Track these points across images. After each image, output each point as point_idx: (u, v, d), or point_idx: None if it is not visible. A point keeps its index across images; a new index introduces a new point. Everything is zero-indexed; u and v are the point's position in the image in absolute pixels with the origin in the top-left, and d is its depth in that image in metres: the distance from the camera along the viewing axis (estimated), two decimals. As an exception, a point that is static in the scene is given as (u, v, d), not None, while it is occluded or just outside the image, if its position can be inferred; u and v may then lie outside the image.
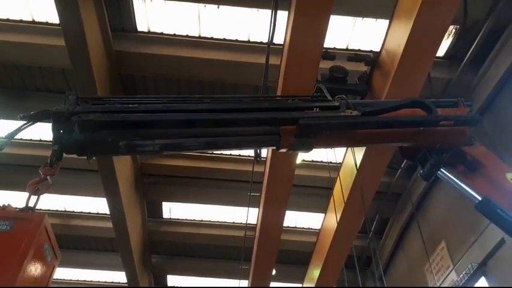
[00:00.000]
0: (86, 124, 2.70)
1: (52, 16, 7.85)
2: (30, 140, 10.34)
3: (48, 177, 2.63)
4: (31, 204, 2.49)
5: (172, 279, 15.72)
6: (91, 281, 15.37)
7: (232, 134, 3.08)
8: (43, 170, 2.64)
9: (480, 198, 3.22)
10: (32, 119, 2.77)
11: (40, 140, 10.40)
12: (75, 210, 12.78)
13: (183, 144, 3.09)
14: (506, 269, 7.56)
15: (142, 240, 12.53)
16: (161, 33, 8.49)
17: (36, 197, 2.55)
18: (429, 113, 3.37)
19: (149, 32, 8.48)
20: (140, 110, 2.95)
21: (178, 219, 13.05)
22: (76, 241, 13.59)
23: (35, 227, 2.34)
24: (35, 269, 2.30)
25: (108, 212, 10.78)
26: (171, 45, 8.49)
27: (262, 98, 3.78)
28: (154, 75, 9.28)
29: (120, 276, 14.26)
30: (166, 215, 13.06)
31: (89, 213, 12.83)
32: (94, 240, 13.80)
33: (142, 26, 8.40)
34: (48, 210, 12.44)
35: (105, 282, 15.40)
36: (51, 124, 2.75)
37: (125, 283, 13.43)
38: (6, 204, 2.50)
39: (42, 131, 9.95)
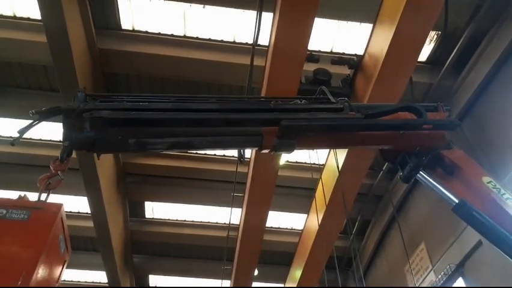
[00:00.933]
0: (97, 121, 2.73)
1: (34, 12, 7.71)
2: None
3: (59, 173, 2.67)
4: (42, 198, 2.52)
5: (154, 279, 15.60)
6: (71, 281, 15.13)
7: (225, 134, 3.14)
8: (54, 166, 2.68)
9: (457, 201, 3.30)
10: (43, 115, 2.78)
11: (30, 139, 10.26)
12: (55, 209, 12.56)
13: (192, 142, 3.13)
14: (483, 270, 7.74)
15: (123, 240, 12.40)
16: (146, 32, 8.43)
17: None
18: (419, 117, 3.46)
19: (133, 30, 8.41)
20: (150, 109, 2.98)
21: (161, 219, 12.96)
22: (55, 240, 13.35)
23: (53, 217, 2.38)
24: (50, 259, 2.33)
25: (89, 211, 10.64)
26: (156, 44, 8.43)
27: (264, 99, 3.81)
28: (138, 73, 9.20)
29: (101, 276, 14.09)
30: (148, 214, 12.96)
31: (70, 212, 12.62)
32: (74, 240, 13.52)
33: (126, 24, 8.32)
34: (28, 208, 12.20)
35: (85, 282, 15.20)
36: (62, 120, 2.77)
37: (106, 283, 13.26)
38: (22, 195, 2.55)
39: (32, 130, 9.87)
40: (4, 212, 2.30)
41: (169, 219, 12.93)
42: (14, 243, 2.26)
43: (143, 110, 2.94)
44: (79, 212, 12.57)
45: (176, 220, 12.89)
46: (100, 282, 14.93)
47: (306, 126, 3.21)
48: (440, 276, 8.89)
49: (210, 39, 8.54)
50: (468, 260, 8.22)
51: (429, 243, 9.77)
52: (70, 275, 14.99)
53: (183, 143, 3.12)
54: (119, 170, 10.90)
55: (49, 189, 2.62)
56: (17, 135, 2.76)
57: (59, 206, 2.47)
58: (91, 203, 10.20)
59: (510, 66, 7.71)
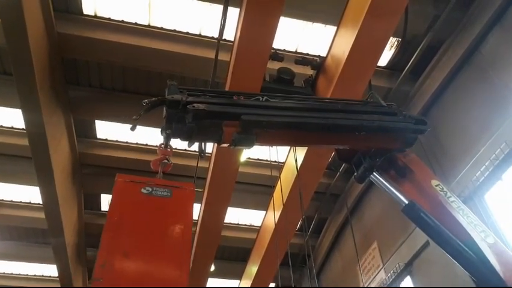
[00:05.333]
0: (199, 113, 2.99)
1: (-13, -11, 7.30)
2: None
3: (167, 157, 3.05)
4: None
5: (107, 274, 15.22)
6: (19, 274, 14.50)
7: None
8: (160, 151, 3.10)
9: (407, 202, 3.44)
10: (152, 105, 3.10)
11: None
12: (5, 199, 11.97)
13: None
14: (429, 269, 8.12)
15: (77, 232, 11.99)
16: (109, 19, 8.17)
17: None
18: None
19: (95, 16, 8.12)
20: (239, 104, 3.28)
21: (117, 212, 12.64)
22: (4, 231, 12.76)
23: (191, 194, 2.72)
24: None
25: (41, 202, 10.22)
26: (118, 32, 8.19)
27: (327, 100, 4.05)
28: (99, 61, 8.91)
29: (51, 270, 13.58)
30: (104, 207, 12.60)
31: (20, 202, 12.08)
32: (24, 231, 13.01)
33: (88, 9, 8.02)
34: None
35: (34, 275, 14.61)
36: (164, 110, 3.08)
37: (56, 277, 12.79)
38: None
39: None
40: (150, 189, 2.61)
41: (125, 213, 12.63)
42: (168, 217, 2.57)
43: (233, 105, 3.23)
44: (30, 203, 12.05)
45: (133, 214, 12.61)
46: (50, 276, 14.39)
47: (266, 122, 3.25)
48: (389, 275, 9.24)
49: (175, 31, 8.40)
50: (416, 259, 8.59)
51: (381, 243, 10.12)
52: (18, 267, 14.36)
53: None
54: (75, 160, 10.53)
55: (164, 171, 3.01)
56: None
57: (192, 185, 2.80)
58: (43, 194, 9.80)
59: (463, 75, 8.10)
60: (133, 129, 3.21)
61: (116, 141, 10.61)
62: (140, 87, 9.52)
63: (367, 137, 3.64)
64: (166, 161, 3.10)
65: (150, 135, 10.52)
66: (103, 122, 10.18)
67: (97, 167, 11.16)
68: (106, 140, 10.59)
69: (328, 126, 3.45)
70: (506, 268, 2.95)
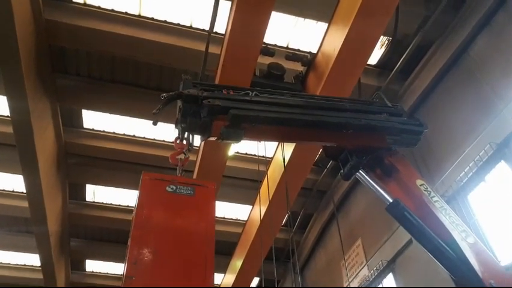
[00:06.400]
0: (214, 108, 3.05)
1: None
2: None
3: (184, 151, 3.12)
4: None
5: (90, 264, 15.14)
6: (1, 263, 14.33)
7: None
8: (176, 145, 3.15)
9: (391, 201, 3.48)
10: (169, 98, 3.14)
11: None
12: (-13, 187, 11.81)
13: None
14: (411, 267, 8.24)
15: (60, 222, 11.87)
16: (99, 7, 8.04)
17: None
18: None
19: (85, 4, 7.99)
20: (253, 101, 3.32)
21: (102, 203, 12.54)
22: (-14, 219, 12.58)
23: (212, 192, 2.82)
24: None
25: (24, 191, 10.08)
26: (108, 21, 8.07)
27: (335, 99, 4.04)
28: (87, 49, 8.78)
29: (34, 259, 13.44)
30: (89, 197, 12.49)
31: (4, 190, 11.91)
32: (7, 220, 12.83)
33: (77, -4, 7.90)
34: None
35: (17, 264, 14.44)
36: (180, 104, 3.12)
37: (39, 266, 12.66)
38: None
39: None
40: (174, 188, 2.69)
41: (111, 204, 12.55)
42: (192, 215, 2.66)
43: (249, 102, 3.29)
44: (13, 191, 11.88)
45: (119, 205, 12.53)
46: (32, 266, 14.24)
47: (254, 117, 3.26)
48: (372, 271, 9.35)
49: (165, 22, 8.31)
50: (399, 257, 8.70)
51: (365, 240, 10.23)
52: (2, 256, 14.18)
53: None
54: (61, 149, 10.39)
55: (182, 164, 3.08)
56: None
57: (213, 183, 2.88)
58: (27, 182, 9.67)
59: (451, 76, 8.19)
60: (155, 123, 3.29)
61: (103, 131, 10.50)
62: (129, 77, 9.43)
63: (354, 135, 3.67)
64: (183, 154, 3.16)
65: (137, 127, 10.44)
66: (90, 111, 10.06)
67: (83, 157, 11.04)
68: (93, 130, 10.47)
69: (315, 123, 3.47)
70: (484, 268, 3.02)
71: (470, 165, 6.95)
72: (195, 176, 8.72)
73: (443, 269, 3.23)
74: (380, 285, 9.29)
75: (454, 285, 3.21)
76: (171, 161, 3.13)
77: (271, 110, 3.37)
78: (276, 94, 3.75)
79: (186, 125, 3.15)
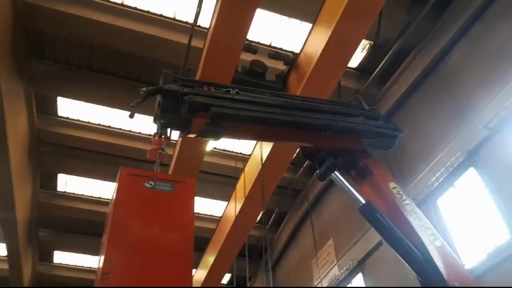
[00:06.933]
0: (195, 105, 3.00)
1: None
2: None
3: (162, 146, 3.04)
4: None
5: (59, 256, 14.81)
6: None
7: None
8: (155, 140, 3.07)
9: (364, 202, 3.55)
10: (149, 93, 3.06)
11: None
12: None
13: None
14: (380, 268, 8.42)
15: (30, 211, 11.57)
16: (80, -7, 7.87)
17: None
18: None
19: (65, -11, 7.79)
20: (235, 99, 3.29)
21: (74, 193, 12.28)
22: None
23: (192, 188, 2.76)
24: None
25: (-8, 177, 9.78)
26: (89, 8, 7.89)
27: (315, 101, 4.02)
28: (66, 36, 8.57)
29: (0, 249, 13.05)
30: (61, 187, 12.21)
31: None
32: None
33: (58, -20, 7.69)
34: None
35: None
36: (160, 99, 3.05)
37: (5, 256, 12.30)
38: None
39: None
40: (153, 184, 2.63)
41: (83, 195, 12.30)
42: (171, 211, 2.62)
43: (230, 100, 3.26)
44: (-20, 177, 11.48)
45: (91, 197, 12.30)
46: (-2, 255, 13.84)
47: (235, 115, 3.25)
48: (342, 271, 9.51)
49: (148, 12, 8.19)
50: (369, 258, 8.88)
51: (337, 239, 10.39)
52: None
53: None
54: (34, 136, 10.11)
55: (160, 160, 3.02)
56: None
57: (193, 180, 2.83)
58: (-4, 168, 9.38)
59: (428, 83, 8.40)
60: (131, 116, 3.15)
61: (78, 120, 10.28)
62: (108, 67, 9.26)
63: (332, 136, 3.72)
64: (161, 150, 3.08)
65: (114, 117, 10.26)
66: (66, 99, 9.83)
67: (56, 146, 10.79)
68: (68, 118, 10.23)
69: (294, 124, 3.50)
70: (449, 270, 3.12)
71: (441, 170, 7.15)
72: (171, 170, 8.63)
73: (410, 271, 3.32)
74: (349, 285, 9.46)
75: (420, 286, 3.31)
76: (149, 157, 3.07)
77: (252, 109, 3.37)
78: (257, 93, 3.75)
79: (165, 120, 3.08)
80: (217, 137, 3.29)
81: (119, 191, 2.62)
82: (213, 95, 3.24)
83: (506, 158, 6.11)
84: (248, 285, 10.01)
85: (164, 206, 2.64)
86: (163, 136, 3.12)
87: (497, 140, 6.36)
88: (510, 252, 5.74)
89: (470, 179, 6.80)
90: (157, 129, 3.14)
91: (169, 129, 3.30)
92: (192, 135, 3.25)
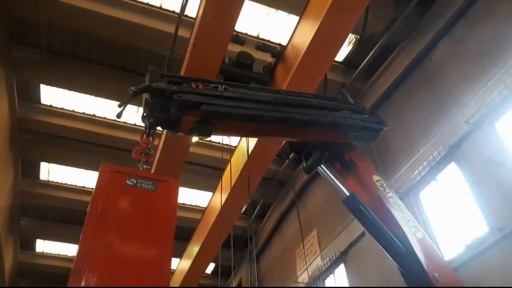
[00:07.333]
0: (185, 103, 2.97)
1: None
2: None
3: (149, 147, 2.95)
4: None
5: (41, 244, 14.66)
6: None
7: None
8: (142, 140, 2.99)
9: (348, 194, 3.62)
10: (136, 92, 3.02)
11: None
12: None
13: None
14: (362, 258, 8.58)
15: (11, 199, 11.38)
16: (64, -22, 7.69)
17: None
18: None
19: (49, -26, 7.62)
20: (224, 96, 3.28)
21: (57, 182, 12.13)
22: None
23: (176, 189, 2.67)
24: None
25: (-28, 165, 9.60)
26: (73, -6, 7.74)
27: (302, 95, 4.02)
28: (49, 22, 8.39)
29: (-21, 237, 12.83)
30: (43, 176, 12.05)
31: None
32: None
33: (41, -36, 7.50)
34: None
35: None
36: (149, 98, 2.98)
37: (-15, 245, 12.10)
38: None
39: None
40: (135, 181, 2.55)
41: (66, 184, 12.16)
42: (151, 210, 2.53)
43: (219, 97, 3.25)
44: (-42, 165, 11.24)
45: (75, 186, 12.17)
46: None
47: (226, 113, 3.24)
48: (325, 261, 9.66)
49: (135, 0, 8.07)
50: (351, 249, 9.03)
51: (320, 230, 10.53)
52: None
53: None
54: (15, 124, 9.92)
55: (147, 160, 2.95)
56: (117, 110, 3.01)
57: (178, 180, 2.74)
58: (-25, 156, 9.20)
59: (412, 78, 8.51)
60: (119, 116, 3.07)
61: (62, 108, 10.12)
62: (92, 55, 9.11)
63: (319, 131, 3.78)
64: (148, 150, 2.99)
65: (98, 106, 10.13)
66: (49, 87, 9.65)
67: (39, 134, 10.61)
68: (51, 106, 10.06)
69: (284, 120, 3.53)
70: (429, 261, 3.22)
71: (423, 164, 7.29)
72: (156, 161, 8.61)
73: (392, 262, 3.41)
74: (330, 278, 9.61)
75: (401, 277, 3.40)
76: (134, 156, 2.97)
77: (242, 106, 3.36)
78: (245, 88, 3.76)
79: (154, 119, 3.01)
80: (207, 134, 3.27)
81: (99, 186, 2.54)
82: (202, 92, 3.20)
83: (486, 153, 6.27)
84: (232, 274, 10.09)
85: (144, 204, 2.56)
86: (150, 136, 3.04)
87: (478, 135, 6.51)
88: (487, 245, 5.92)
89: (451, 173, 6.96)
90: (145, 128, 3.05)
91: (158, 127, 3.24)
92: (182, 133, 3.23)
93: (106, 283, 2.15)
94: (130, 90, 2.99)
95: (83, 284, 2.07)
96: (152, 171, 8.85)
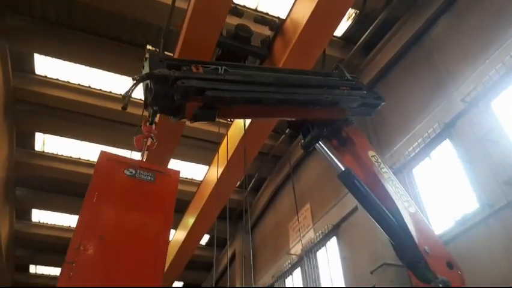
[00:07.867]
0: (189, 90, 2.91)
1: None
2: None
3: (151, 135, 2.88)
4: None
5: (37, 214, 14.79)
6: None
7: None
8: (145, 128, 2.91)
9: (343, 169, 3.69)
10: (140, 80, 2.98)
11: None
12: None
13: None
14: (354, 232, 8.77)
15: (6, 169, 11.40)
16: None
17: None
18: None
19: None
20: (226, 80, 3.22)
21: (52, 153, 12.13)
22: None
23: (175, 181, 2.61)
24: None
25: (-33, 135, 9.56)
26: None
27: (301, 73, 4.00)
28: (43, -10, 8.20)
29: (-25, 207, 12.92)
30: (38, 147, 12.02)
31: None
32: None
33: None
34: None
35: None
36: (152, 85, 2.90)
37: (-19, 214, 12.21)
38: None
39: None
40: (133, 172, 2.49)
41: (61, 155, 12.17)
42: (148, 203, 2.46)
43: (221, 81, 3.18)
44: (-47, 135, 11.18)
45: (70, 157, 12.18)
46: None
47: (231, 98, 3.22)
48: (318, 234, 9.86)
49: (131, -31, 7.89)
50: (344, 222, 9.21)
51: (314, 205, 10.70)
52: None
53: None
54: (9, 94, 9.82)
55: (148, 149, 2.86)
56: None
57: (177, 172, 2.66)
58: (-30, 126, 9.15)
59: (411, 55, 8.47)
60: (124, 108, 2.97)
61: (57, 79, 10.00)
62: (88, 25, 8.95)
63: (320, 109, 3.82)
64: (150, 138, 2.91)
65: (94, 77, 10.03)
66: (43, 56, 9.50)
67: (33, 105, 10.52)
68: (46, 77, 9.94)
69: (287, 101, 3.55)
70: (421, 234, 3.32)
71: (418, 141, 7.36)
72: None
73: (383, 236, 3.51)
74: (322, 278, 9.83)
75: (392, 250, 3.51)
76: (136, 145, 2.88)
77: (246, 90, 3.34)
78: (244, 68, 3.73)
79: (158, 107, 2.96)
80: (211, 119, 3.25)
81: (96, 175, 2.47)
82: (204, 77, 3.13)
83: (480, 131, 6.34)
84: (228, 245, 10.29)
85: (142, 196, 2.48)
86: (154, 124, 2.95)
87: (473, 113, 6.55)
88: (477, 220, 6.07)
89: (445, 150, 7.04)
90: (149, 116, 2.98)
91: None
92: (185, 120, 3.20)
93: (97, 277, 2.09)
94: (133, 78, 2.96)
95: (72, 277, 2.03)
96: (147, 144, 8.85)
